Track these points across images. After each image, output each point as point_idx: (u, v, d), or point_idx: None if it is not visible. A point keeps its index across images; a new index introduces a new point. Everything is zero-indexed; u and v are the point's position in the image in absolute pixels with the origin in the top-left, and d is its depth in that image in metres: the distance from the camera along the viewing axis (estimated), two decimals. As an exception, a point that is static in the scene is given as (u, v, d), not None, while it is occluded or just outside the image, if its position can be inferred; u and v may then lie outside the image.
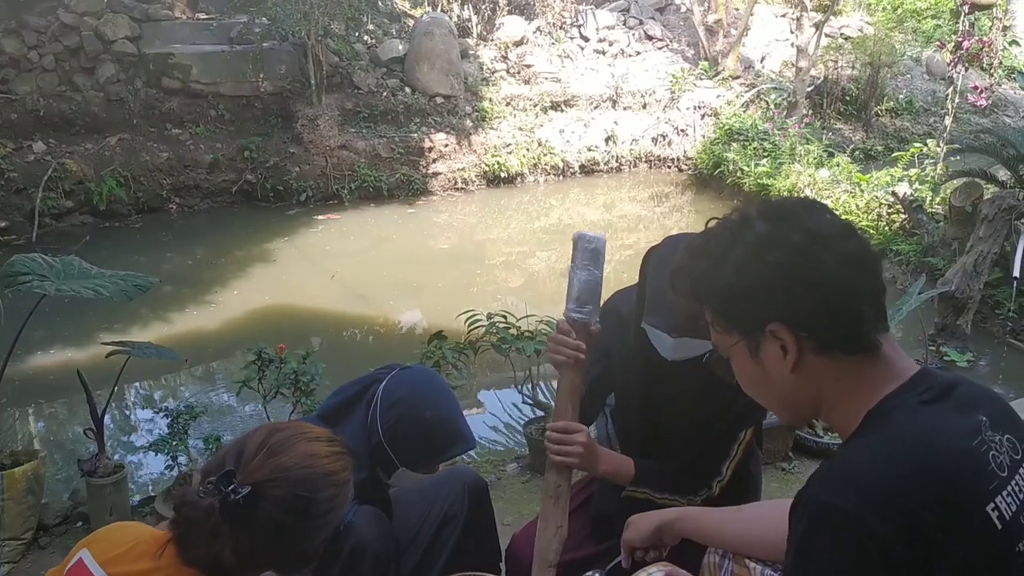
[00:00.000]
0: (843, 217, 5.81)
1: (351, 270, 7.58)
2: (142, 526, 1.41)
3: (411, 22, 10.93)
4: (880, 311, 1.19)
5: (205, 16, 10.22)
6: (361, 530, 2.02)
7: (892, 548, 1.02)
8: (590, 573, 1.89)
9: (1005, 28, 13.14)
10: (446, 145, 9.98)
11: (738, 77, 11.99)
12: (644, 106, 11.38)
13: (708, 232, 1.28)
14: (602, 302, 2.00)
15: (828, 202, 7.92)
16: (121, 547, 1.33)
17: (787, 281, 1.16)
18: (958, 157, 8.60)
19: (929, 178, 7.75)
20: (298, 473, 1.34)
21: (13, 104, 8.44)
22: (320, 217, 8.93)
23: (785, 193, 8.37)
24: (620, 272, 7.45)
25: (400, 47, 10.46)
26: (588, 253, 1.84)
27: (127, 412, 5.16)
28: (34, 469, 3.11)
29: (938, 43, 11.22)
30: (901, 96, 12.67)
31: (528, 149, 10.42)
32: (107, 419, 3.41)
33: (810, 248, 1.16)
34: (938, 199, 7.21)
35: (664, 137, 11.18)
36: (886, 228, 7.34)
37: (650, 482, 2.01)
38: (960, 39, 8.22)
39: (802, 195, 8.24)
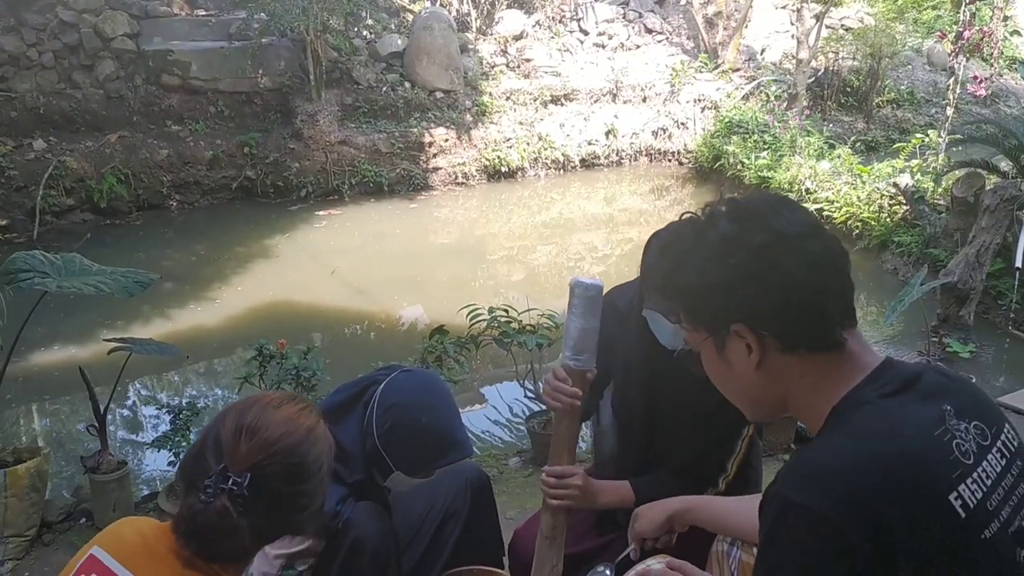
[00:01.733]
0: (843, 209, 5.79)
1: (352, 266, 7.58)
2: (147, 521, 1.41)
3: (410, 17, 10.91)
4: (846, 308, 1.20)
5: (204, 12, 10.20)
6: (360, 526, 2.02)
7: (854, 542, 1.03)
8: (601, 568, 1.89)
9: (1006, 18, 13.10)
10: (446, 140, 9.97)
11: (738, 69, 11.96)
12: (644, 99, 11.36)
13: (677, 228, 1.29)
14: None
15: (829, 194, 7.92)
16: (134, 547, 1.33)
17: (749, 282, 1.16)
18: (960, 148, 8.59)
19: (931, 169, 7.74)
20: (284, 444, 1.36)
21: (13, 102, 8.44)
22: (321, 213, 8.93)
23: (785, 186, 8.37)
24: (621, 267, 7.45)
25: (399, 42, 10.45)
26: (585, 301, 1.85)
27: (129, 409, 5.17)
28: (37, 466, 3.11)
29: (939, 33, 11.18)
30: (902, 87, 12.64)
31: (528, 143, 10.40)
32: (109, 416, 3.42)
33: (772, 249, 1.16)
34: (940, 190, 7.19)
35: (664, 130, 11.16)
36: (888, 220, 7.32)
37: (655, 498, 2.02)
38: (961, 29, 8.19)
39: (803, 187, 8.23)
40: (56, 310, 5.87)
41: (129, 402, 5.21)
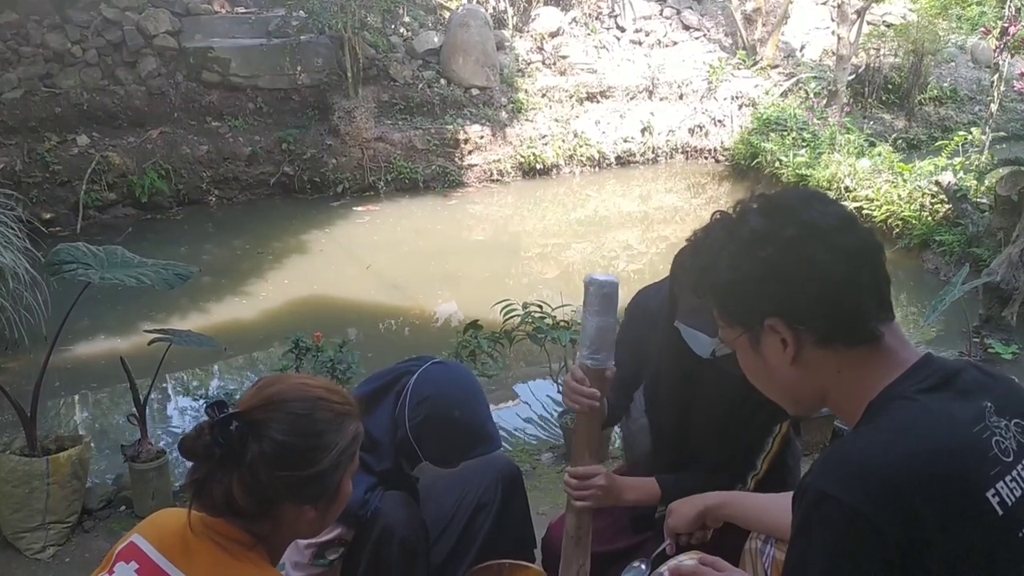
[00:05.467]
0: (883, 207, 5.67)
1: (387, 261, 7.62)
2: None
3: (447, 14, 10.94)
4: (882, 302, 1.18)
5: (244, 10, 10.30)
6: (389, 514, 2.04)
7: (888, 535, 1.03)
8: (637, 563, 1.89)
9: (1054, 13, 12.80)
10: (481, 137, 9.98)
11: (777, 66, 11.83)
12: (681, 96, 11.28)
13: (708, 226, 1.29)
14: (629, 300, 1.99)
15: (869, 192, 7.81)
16: (173, 536, 1.35)
17: (781, 276, 1.16)
18: (1004, 145, 8.43)
19: (974, 167, 7.60)
20: (291, 395, 1.37)
21: (57, 98, 8.59)
22: (359, 208, 8.99)
23: (824, 184, 8.26)
24: (656, 265, 7.42)
25: (436, 39, 10.48)
26: (601, 299, 1.83)
27: (169, 400, 5.26)
28: (79, 454, 3.17)
29: (983, 29, 10.97)
30: (945, 84, 12.41)
31: (564, 140, 10.38)
32: (149, 406, 3.47)
33: (804, 243, 1.15)
34: (983, 188, 7.06)
35: (701, 128, 11.07)
36: (929, 218, 7.20)
37: (680, 496, 2.01)
38: (1006, 25, 8.04)
39: (842, 185, 8.13)
40: (98, 302, 5.98)
41: (168, 393, 5.30)
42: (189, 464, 1.37)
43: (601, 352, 1.87)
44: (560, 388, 4.05)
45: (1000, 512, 1.05)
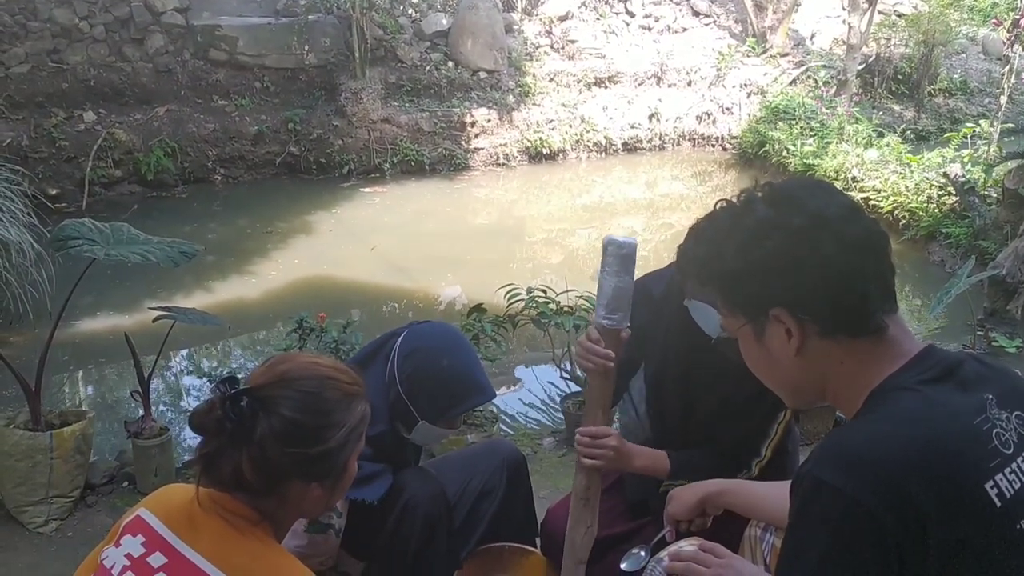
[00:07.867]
0: (890, 199, 5.64)
1: (392, 243, 7.62)
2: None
3: (456, -5, 10.89)
4: (887, 292, 1.18)
5: (252, -12, 10.27)
6: (413, 488, 2.07)
7: (885, 525, 1.02)
8: (636, 550, 1.90)
9: (1067, 6, 12.69)
10: (488, 120, 9.95)
11: (786, 54, 11.76)
12: (689, 83, 11.23)
13: (712, 215, 1.28)
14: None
15: (876, 183, 7.78)
16: (180, 511, 1.35)
17: (787, 266, 1.15)
18: (1013, 138, 8.36)
19: (982, 159, 7.56)
20: (301, 373, 1.38)
21: (64, 74, 8.57)
22: (367, 190, 8.98)
23: (832, 173, 8.23)
24: (661, 252, 7.40)
25: (444, 21, 10.43)
26: (619, 259, 1.82)
27: (172, 377, 5.27)
28: (82, 429, 3.19)
29: (994, 21, 10.87)
30: (955, 76, 12.33)
31: (571, 126, 10.34)
32: (153, 383, 3.49)
33: (810, 232, 1.15)
34: (991, 181, 7.03)
35: (708, 115, 11.02)
36: (936, 210, 7.18)
37: (688, 474, 2.02)
38: (1018, 17, 7.97)
39: (849, 175, 8.10)
40: (104, 279, 5.99)
41: (172, 370, 5.32)
42: (194, 441, 1.38)
43: (617, 312, 1.87)
44: (563, 374, 4.06)
45: (998, 504, 1.05)
